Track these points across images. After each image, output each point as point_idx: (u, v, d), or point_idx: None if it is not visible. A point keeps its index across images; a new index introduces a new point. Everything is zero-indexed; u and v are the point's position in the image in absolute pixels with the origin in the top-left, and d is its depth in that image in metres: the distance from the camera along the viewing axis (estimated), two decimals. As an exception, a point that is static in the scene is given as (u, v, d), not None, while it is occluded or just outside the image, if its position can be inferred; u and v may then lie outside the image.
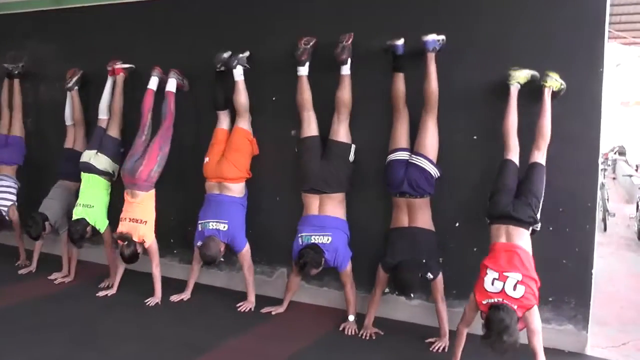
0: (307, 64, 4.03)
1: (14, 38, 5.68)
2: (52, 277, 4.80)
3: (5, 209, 5.17)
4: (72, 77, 5.06)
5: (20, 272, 5.00)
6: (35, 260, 5.06)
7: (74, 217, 4.59)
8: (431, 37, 3.62)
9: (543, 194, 3.33)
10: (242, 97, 4.29)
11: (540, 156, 3.39)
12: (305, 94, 4.04)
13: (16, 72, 5.50)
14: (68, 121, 5.18)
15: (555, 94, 3.44)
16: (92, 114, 5.08)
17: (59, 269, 4.88)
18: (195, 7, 4.70)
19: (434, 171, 3.68)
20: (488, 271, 3.10)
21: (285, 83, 4.21)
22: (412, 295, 3.88)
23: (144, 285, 4.38)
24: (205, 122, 4.52)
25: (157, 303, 4.26)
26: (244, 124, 4.34)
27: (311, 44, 4.03)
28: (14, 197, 5.25)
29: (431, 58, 3.64)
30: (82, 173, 4.75)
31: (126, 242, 4.18)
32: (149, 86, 4.61)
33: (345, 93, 3.93)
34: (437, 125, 3.69)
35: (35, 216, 4.77)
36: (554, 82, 3.41)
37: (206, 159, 4.35)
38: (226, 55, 4.32)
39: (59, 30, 5.45)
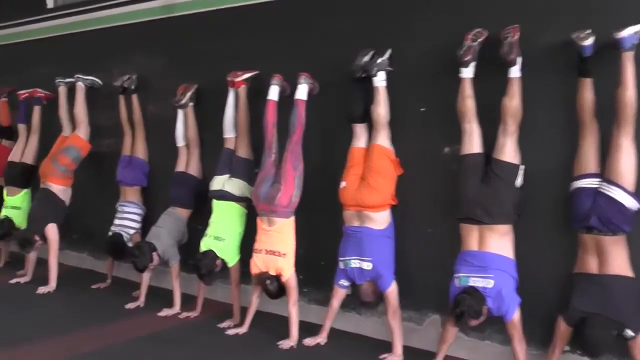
0: (473, 64, 3.46)
1: (120, 52, 5.50)
2: (162, 313, 4.42)
3: (128, 236, 5.00)
4: (185, 92, 4.78)
5: (127, 306, 4.64)
6: (143, 295, 4.70)
7: (202, 248, 4.22)
8: (627, 32, 2.97)
9: None
10: (382, 107, 3.78)
11: None
12: (468, 101, 3.49)
13: (133, 86, 5.25)
14: (180, 142, 4.87)
15: None
16: (205, 133, 4.80)
17: (170, 305, 4.47)
18: (323, 2, 4.26)
19: (631, 203, 3.03)
20: None
21: (436, 89, 3.73)
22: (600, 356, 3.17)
23: (271, 325, 4.06)
24: (337, 137, 4.07)
25: (292, 347, 3.78)
26: (384, 140, 3.81)
27: (480, 39, 3.46)
28: (137, 225, 5.10)
29: (628, 58, 3.01)
30: (213, 201, 4.40)
31: (268, 281, 3.83)
32: (269, 97, 4.16)
33: (514, 100, 3.34)
34: (634, 144, 3.06)
35: (142, 245, 4.49)
36: None
37: (343, 184, 3.84)
38: (367, 58, 3.83)
39: (168, 41, 5.20)
